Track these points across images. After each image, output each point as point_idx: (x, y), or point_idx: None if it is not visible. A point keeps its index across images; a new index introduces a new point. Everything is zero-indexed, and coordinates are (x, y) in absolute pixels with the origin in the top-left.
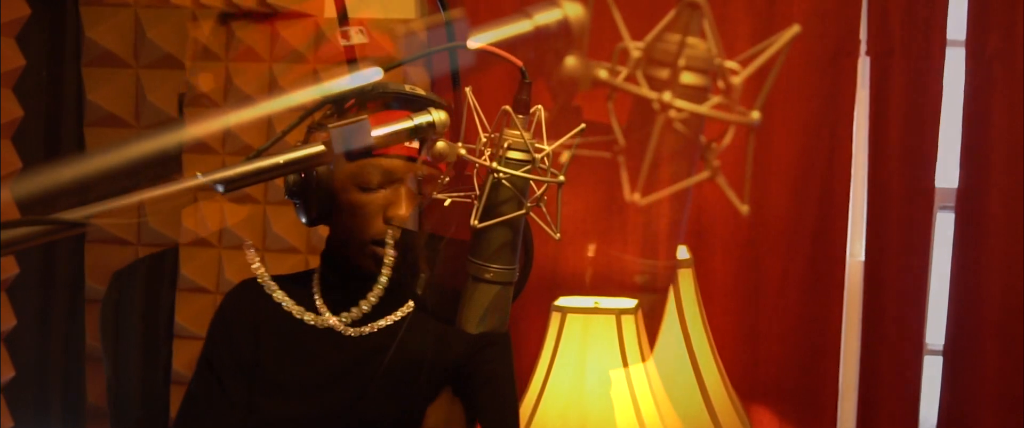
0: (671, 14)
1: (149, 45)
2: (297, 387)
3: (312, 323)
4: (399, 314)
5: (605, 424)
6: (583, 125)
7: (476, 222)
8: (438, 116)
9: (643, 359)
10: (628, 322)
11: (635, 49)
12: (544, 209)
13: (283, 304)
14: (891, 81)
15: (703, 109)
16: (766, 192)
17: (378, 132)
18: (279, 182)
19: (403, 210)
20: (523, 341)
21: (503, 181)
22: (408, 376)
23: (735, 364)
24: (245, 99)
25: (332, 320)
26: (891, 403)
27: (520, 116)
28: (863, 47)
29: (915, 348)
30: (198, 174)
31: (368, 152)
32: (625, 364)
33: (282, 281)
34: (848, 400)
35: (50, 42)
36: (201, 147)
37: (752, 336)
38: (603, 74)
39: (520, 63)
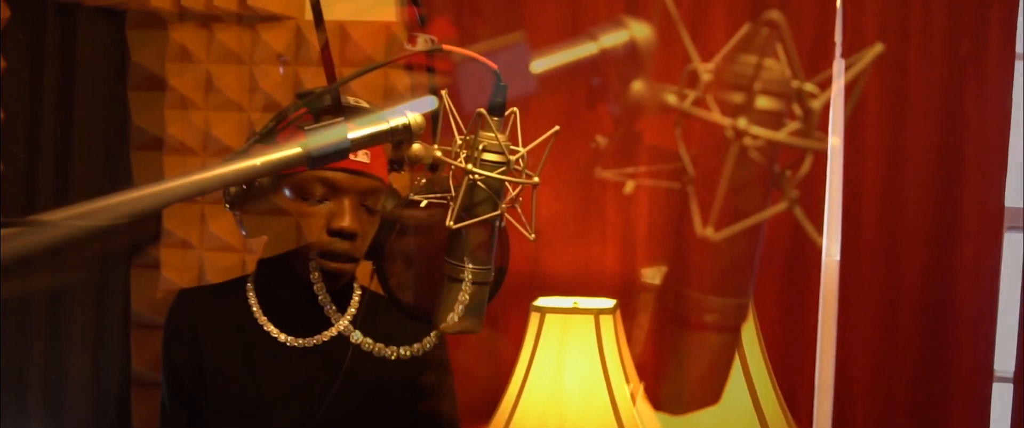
0: (743, 31)
1: (216, 92)
2: (251, 402)
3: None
4: (344, 323)
5: (583, 424)
6: (557, 127)
7: (452, 223)
8: (414, 118)
9: (621, 359)
10: (606, 322)
11: (705, 71)
12: (519, 210)
13: (329, 315)
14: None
15: (781, 136)
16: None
17: (355, 135)
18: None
19: (346, 222)
20: (501, 341)
21: (478, 182)
22: (367, 385)
23: None
24: (226, 102)
25: (345, 329)
26: (868, 404)
27: (495, 118)
28: (838, 49)
29: (985, 374)
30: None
31: (345, 154)
32: (604, 364)
33: (217, 289)
34: (823, 399)
35: (31, 43)
36: (181, 148)
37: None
38: (672, 99)
39: (495, 66)
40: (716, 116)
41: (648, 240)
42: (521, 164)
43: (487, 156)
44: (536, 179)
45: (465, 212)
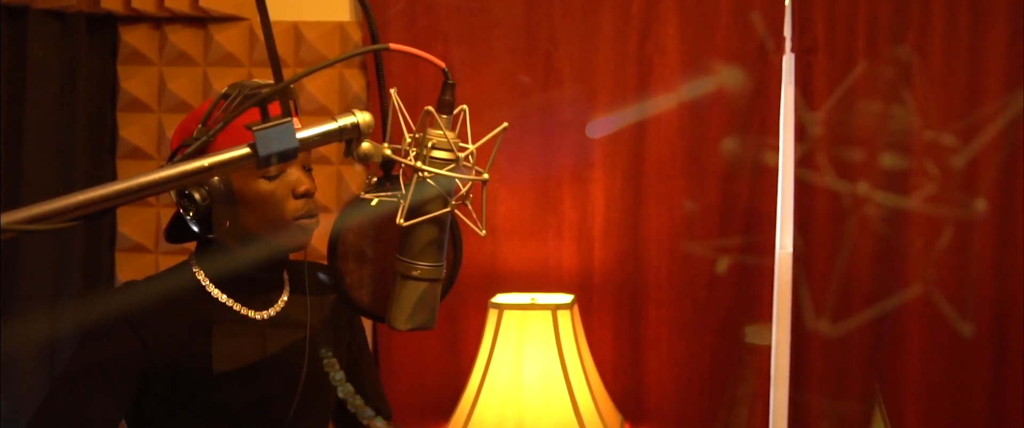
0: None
1: (169, 94)
2: (239, 378)
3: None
4: (287, 294)
5: (543, 418)
6: (505, 124)
7: (402, 221)
8: (363, 117)
9: (579, 353)
10: (564, 317)
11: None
12: (470, 207)
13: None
14: (815, 77)
15: (913, 203)
16: (699, 187)
17: (303, 134)
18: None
19: (309, 184)
20: (461, 339)
21: (428, 180)
22: (329, 344)
23: (671, 355)
24: (180, 105)
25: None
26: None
27: (444, 116)
28: (788, 44)
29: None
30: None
31: (294, 154)
32: (562, 358)
33: (160, 278)
34: (780, 388)
35: None
36: (136, 152)
37: (687, 328)
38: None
39: (442, 64)
40: (829, 179)
41: (604, 236)
42: (470, 161)
43: (436, 154)
44: (486, 176)
45: (415, 210)
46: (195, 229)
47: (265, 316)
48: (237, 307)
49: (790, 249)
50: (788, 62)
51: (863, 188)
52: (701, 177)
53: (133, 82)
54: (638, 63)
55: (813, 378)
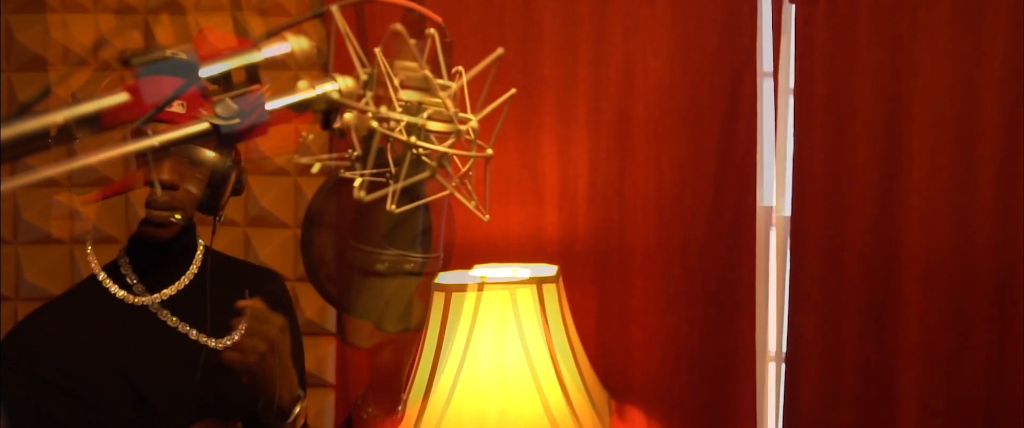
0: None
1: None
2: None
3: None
4: (187, 278)
5: (528, 400)
6: (513, 90)
7: (394, 207)
8: (345, 83)
9: (566, 329)
10: (550, 291)
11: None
12: (470, 186)
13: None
14: (816, 30)
15: None
16: (690, 148)
17: (274, 104)
18: None
19: (164, 173)
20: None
21: (423, 158)
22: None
23: (659, 328)
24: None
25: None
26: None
27: (440, 81)
28: None
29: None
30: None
31: (263, 129)
32: (548, 335)
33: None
34: (765, 360)
35: None
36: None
37: (676, 298)
38: None
39: (439, 19)
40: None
41: (589, 201)
42: (472, 134)
43: (432, 126)
44: (490, 151)
45: (406, 192)
46: None
47: (146, 298)
48: (128, 274)
49: (786, 213)
50: (788, 13)
51: (863, 149)
52: (692, 137)
53: (28, 33)
54: (625, 15)
55: (805, 349)
